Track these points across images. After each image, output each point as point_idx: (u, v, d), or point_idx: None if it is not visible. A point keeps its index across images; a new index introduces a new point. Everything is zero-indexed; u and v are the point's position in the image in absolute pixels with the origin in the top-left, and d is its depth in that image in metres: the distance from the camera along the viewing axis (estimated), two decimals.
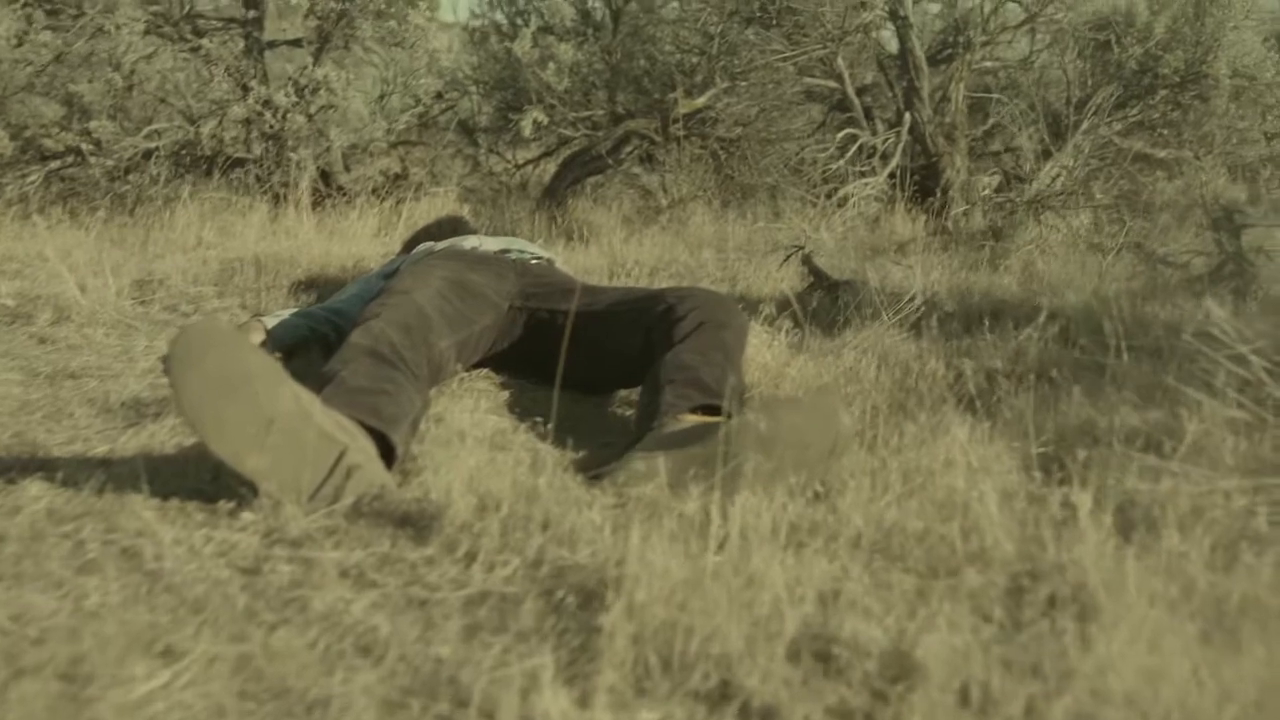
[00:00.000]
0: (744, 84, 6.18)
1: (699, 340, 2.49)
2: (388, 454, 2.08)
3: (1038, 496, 1.99)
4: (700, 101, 6.09)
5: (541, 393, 2.80)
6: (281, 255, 4.36)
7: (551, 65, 6.29)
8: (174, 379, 1.88)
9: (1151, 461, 2.00)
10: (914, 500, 1.96)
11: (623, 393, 2.87)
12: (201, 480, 2.08)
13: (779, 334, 3.07)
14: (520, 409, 2.66)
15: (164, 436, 2.35)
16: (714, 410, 2.30)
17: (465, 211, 5.99)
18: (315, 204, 5.75)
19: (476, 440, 2.17)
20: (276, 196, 5.73)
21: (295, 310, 3.18)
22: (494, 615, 1.61)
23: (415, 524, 1.88)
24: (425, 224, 3.99)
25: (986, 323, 3.37)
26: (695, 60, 6.51)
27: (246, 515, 1.90)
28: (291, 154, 5.57)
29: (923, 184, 6.46)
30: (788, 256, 4.41)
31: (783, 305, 3.78)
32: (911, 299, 3.22)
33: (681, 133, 6.02)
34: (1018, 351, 3.22)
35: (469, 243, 3.34)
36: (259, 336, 2.93)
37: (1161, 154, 6.71)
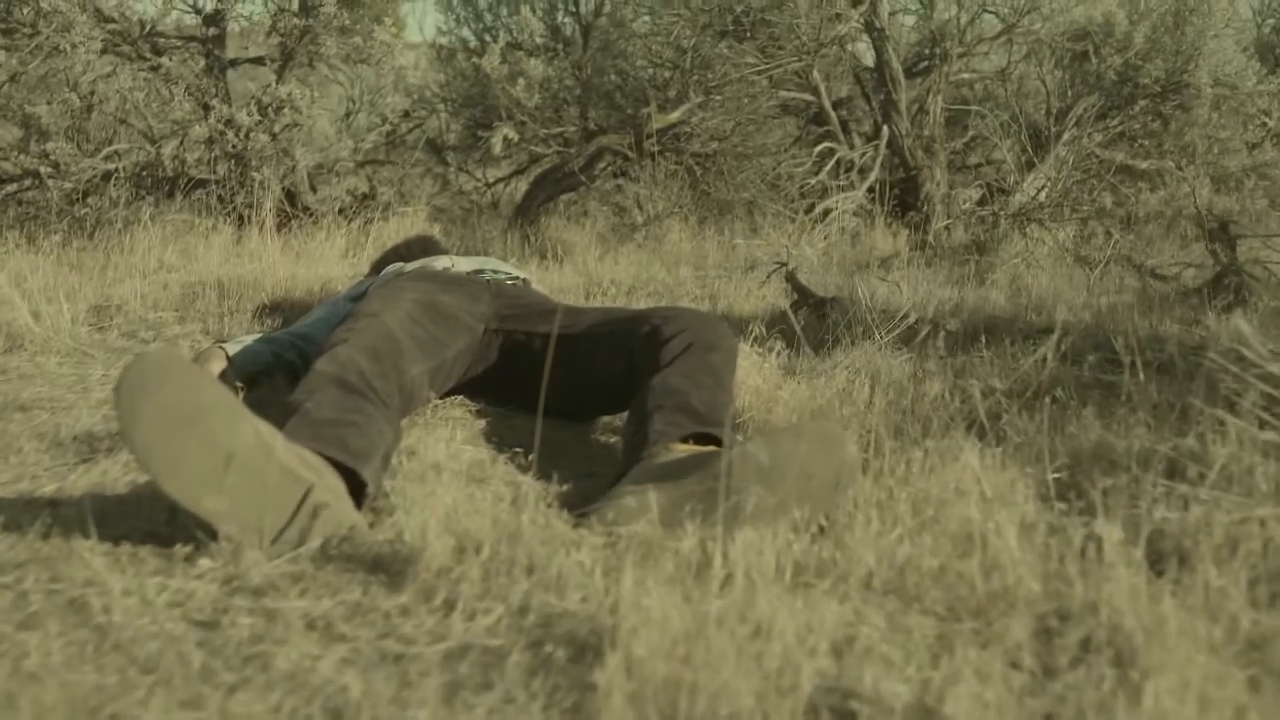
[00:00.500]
0: (719, 98, 6.05)
1: (687, 363, 2.35)
2: (357, 491, 1.93)
3: (1059, 528, 1.85)
4: (674, 116, 5.96)
5: (520, 420, 2.66)
6: (245, 279, 4.20)
7: (521, 81, 6.16)
8: (123, 413, 1.72)
9: (1179, 489, 1.87)
10: (926, 534, 1.81)
11: (606, 419, 2.72)
12: (156, 522, 1.92)
13: (769, 355, 2.93)
14: (498, 439, 2.51)
15: (116, 474, 2.19)
16: (706, 439, 2.15)
17: (436, 231, 5.85)
18: (280, 225, 5.59)
19: (453, 474, 2.02)
20: (241, 218, 5.56)
21: (259, 336, 3.02)
22: (476, 671, 1.46)
23: (388, 568, 1.73)
24: (394, 244, 3.84)
25: (983, 340, 3.24)
26: (668, 74, 6.38)
27: (204, 562, 1.75)
28: (255, 174, 5.41)
29: (902, 198, 6.36)
30: (770, 273, 4.28)
31: (771, 324, 3.66)
32: (904, 316, 3.08)
33: (656, 148, 5.89)
34: (1019, 370, 3.10)
35: (441, 263, 3.19)
36: (220, 364, 2.77)
37: (1143, 165, 6.62)
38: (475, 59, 6.59)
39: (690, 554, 1.75)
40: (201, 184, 5.71)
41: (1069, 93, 6.36)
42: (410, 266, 3.21)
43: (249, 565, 1.72)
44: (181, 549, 1.80)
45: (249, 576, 1.70)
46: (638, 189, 5.82)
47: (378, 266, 3.65)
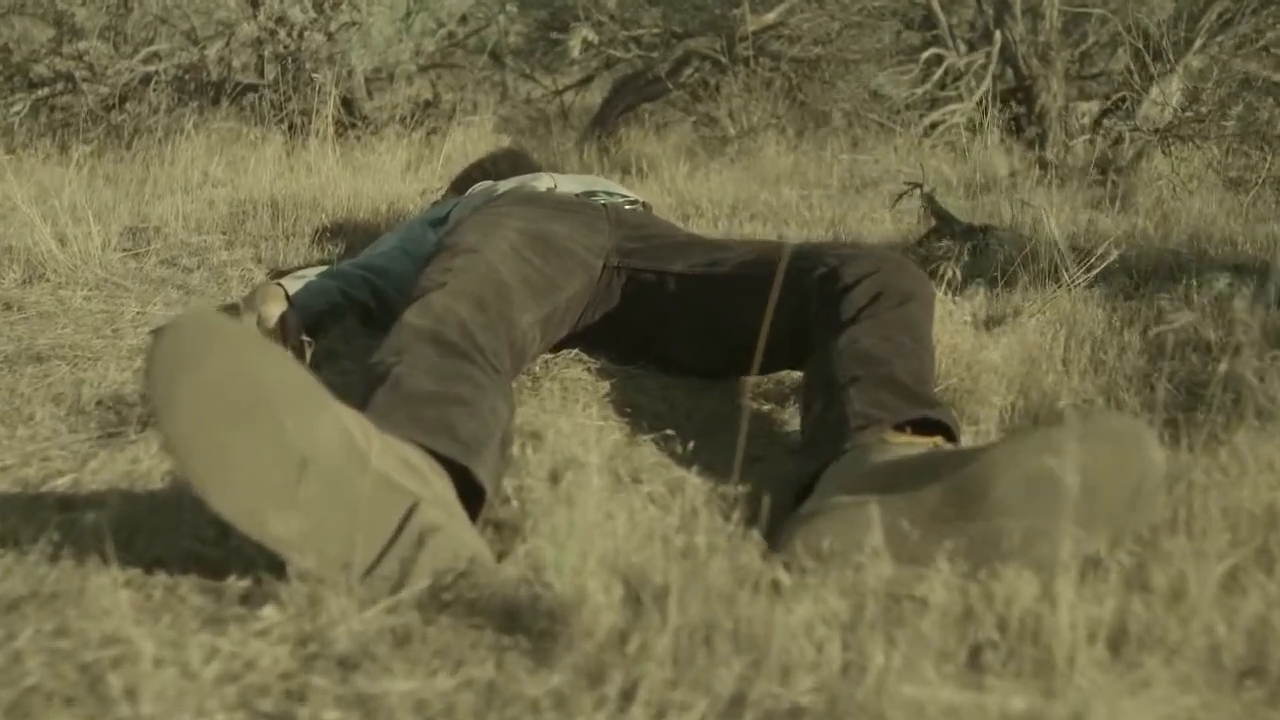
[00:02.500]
0: None
1: (880, 319, 1.82)
2: (469, 495, 1.43)
3: None
4: (771, 17, 5.37)
5: (650, 381, 2.14)
6: (301, 196, 3.68)
7: None
8: (157, 396, 1.22)
9: None
10: (1275, 578, 1.29)
11: (755, 379, 2.20)
12: (203, 539, 1.41)
13: (964, 300, 2.39)
14: (633, 410, 1.99)
15: (149, 461, 1.69)
16: (924, 425, 1.63)
17: (507, 143, 5.31)
18: (338, 134, 5.07)
19: (597, 471, 1.50)
20: (293, 126, 5.05)
21: (322, 269, 2.50)
22: None
23: (530, 628, 1.22)
24: (478, 159, 3.31)
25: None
26: None
27: (268, 610, 1.24)
28: (314, 75, 4.86)
29: (1013, 111, 5.76)
30: (900, 195, 3.72)
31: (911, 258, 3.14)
32: (1100, 255, 2.53)
33: (749, 53, 5.30)
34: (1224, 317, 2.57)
35: (542, 183, 2.65)
36: (279, 305, 2.25)
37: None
38: None
39: (951, 607, 1.24)
40: (251, 89, 5.18)
41: None
42: (504, 186, 2.68)
43: (332, 618, 1.21)
44: (236, 583, 1.30)
45: (332, 636, 1.19)
46: (730, 98, 5.24)
47: (460, 185, 3.12)
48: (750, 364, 2.14)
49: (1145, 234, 3.82)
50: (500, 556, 1.37)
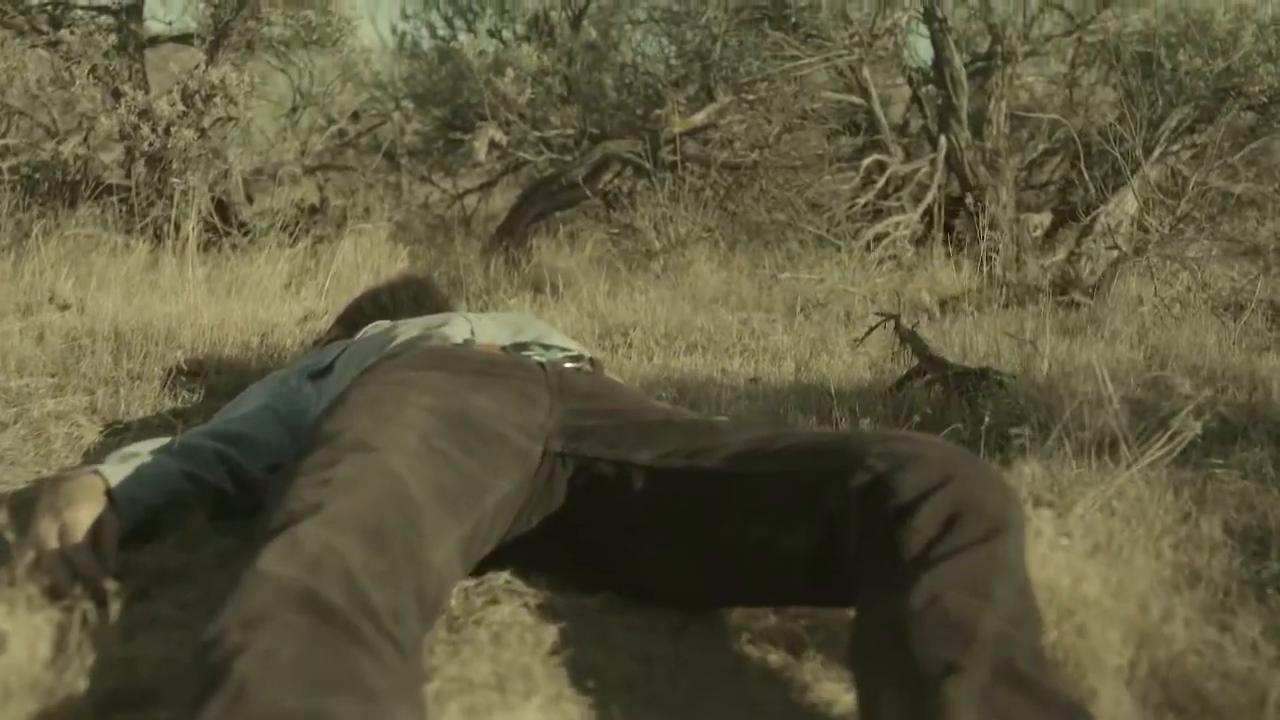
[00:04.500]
0: (751, 97, 4.92)
1: (966, 564, 1.24)
2: None
3: None
4: (699, 118, 4.84)
5: (614, 619, 1.54)
6: (154, 326, 3.02)
7: (510, 72, 5.01)
8: None
9: None
10: None
11: (754, 613, 1.59)
12: None
13: (1051, 512, 1.80)
14: (596, 674, 1.37)
15: None
16: None
17: (402, 258, 4.70)
18: (208, 244, 4.44)
19: None
20: (159, 234, 4.41)
21: (160, 446, 1.85)
22: None
23: None
24: (374, 287, 2.68)
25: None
26: (683, 70, 5.27)
27: None
28: (176, 180, 4.22)
29: (951, 223, 5.31)
30: (871, 329, 3.18)
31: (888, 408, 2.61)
32: (1176, 431, 1.96)
33: (676, 158, 4.75)
34: None
35: (455, 328, 2.03)
36: (94, 507, 1.60)
37: (1238, 189, 5.57)
38: (455, 41, 5.43)
39: None
40: (109, 191, 4.54)
41: (1159, 102, 5.29)
42: (404, 330, 2.06)
43: None
44: None
45: None
46: (656, 207, 4.68)
47: (348, 321, 2.51)
48: (748, 594, 1.56)
49: (1137, 369, 3.32)
50: None
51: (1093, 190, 5.06)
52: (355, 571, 1.15)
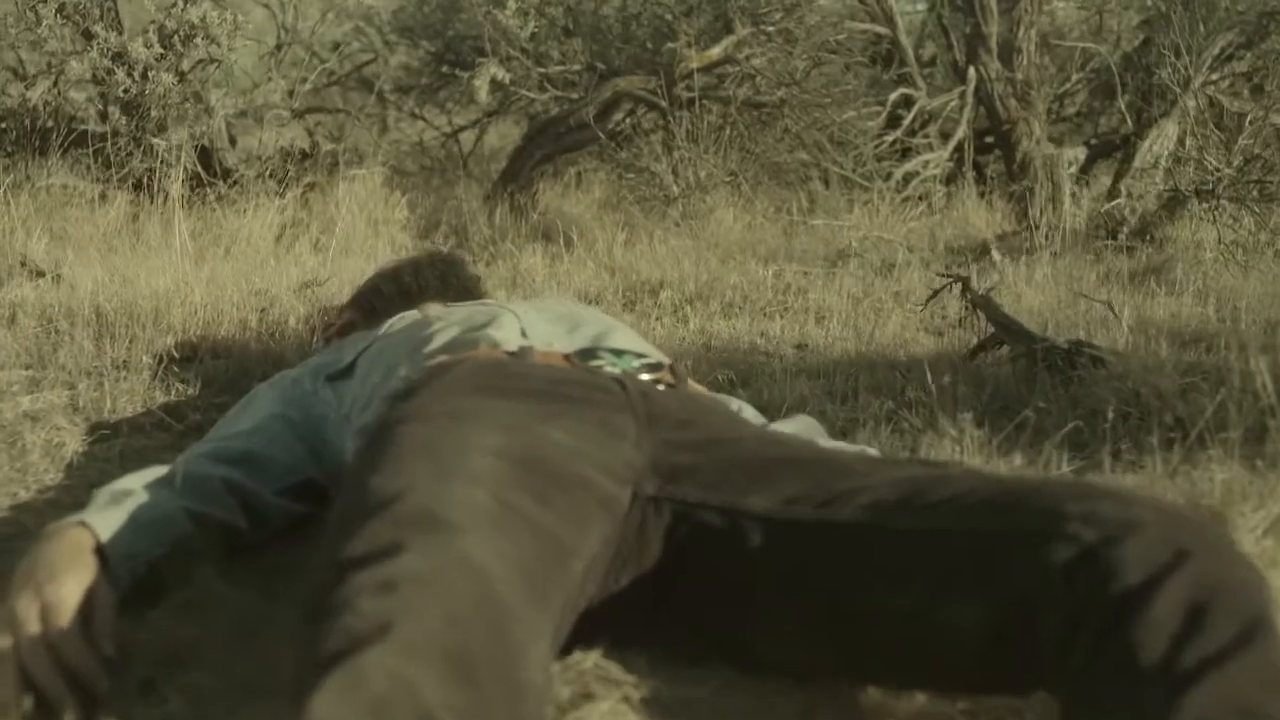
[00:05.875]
0: (770, 28, 4.58)
1: (1230, 675, 0.95)
2: None
3: None
4: (715, 52, 4.50)
5: (730, 701, 1.25)
6: (140, 302, 2.69)
7: (511, 4, 4.65)
8: None
9: None
10: None
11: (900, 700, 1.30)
12: None
13: None
14: None
15: None
16: None
17: (400, 205, 4.37)
18: (194, 193, 4.11)
19: None
20: (139, 185, 4.08)
21: (157, 478, 1.53)
22: None
23: None
24: (394, 263, 2.35)
25: None
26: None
27: None
28: (157, 140, 3.88)
29: (979, 160, 5.02)
30: (935, 292, 2.88)
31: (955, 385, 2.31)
32: None
33: (694, 94, 4.41)
34: None
35: (503, 328, 1.70)
36: (83, 577, 1.29)
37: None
38: None
39: None
40: (85, 139, 4.20)
41: (1201, 27, 4.96)
42: (440, 330, 1.73)
43: None
44: None
45: None
46: (673, 149, 4.35)
47: (364, 304, 2.19)
48: (890, 672, 1.27)
49: (1210, 326, 3.04)
50: None
51: (1129, 123, 4.76)
52: (434, 712, 0.86)
